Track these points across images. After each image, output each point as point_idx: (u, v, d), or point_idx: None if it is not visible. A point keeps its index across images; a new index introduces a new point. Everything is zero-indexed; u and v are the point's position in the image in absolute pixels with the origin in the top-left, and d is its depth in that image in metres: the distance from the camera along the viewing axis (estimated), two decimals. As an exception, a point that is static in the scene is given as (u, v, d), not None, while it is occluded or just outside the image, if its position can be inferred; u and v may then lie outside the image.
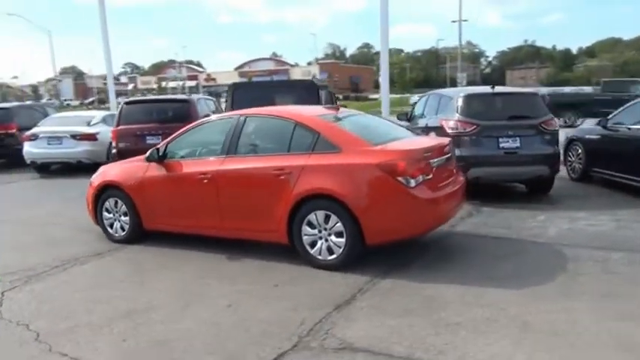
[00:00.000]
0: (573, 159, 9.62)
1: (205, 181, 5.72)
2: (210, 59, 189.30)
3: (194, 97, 11.51)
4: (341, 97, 48.59)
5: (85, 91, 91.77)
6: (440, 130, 8.17)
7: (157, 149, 6.13)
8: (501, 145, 7.85)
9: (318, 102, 8.59)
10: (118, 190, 6.39)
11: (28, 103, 21.05)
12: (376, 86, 71.32)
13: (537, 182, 8.30)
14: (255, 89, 9.17)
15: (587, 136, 9.34)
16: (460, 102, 8.17)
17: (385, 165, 4.89)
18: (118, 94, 29.55)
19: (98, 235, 6.65)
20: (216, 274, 5.20)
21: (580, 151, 9.36)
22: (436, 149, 5.39)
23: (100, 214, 6.61)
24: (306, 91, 8.75)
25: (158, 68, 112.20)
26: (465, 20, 62.95)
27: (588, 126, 10.29)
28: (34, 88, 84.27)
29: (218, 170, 5.69)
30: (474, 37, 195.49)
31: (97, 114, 14.44)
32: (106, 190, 6.53)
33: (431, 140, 5.91)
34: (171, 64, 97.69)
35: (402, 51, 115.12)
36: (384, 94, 13.79)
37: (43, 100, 66.56)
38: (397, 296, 4.49)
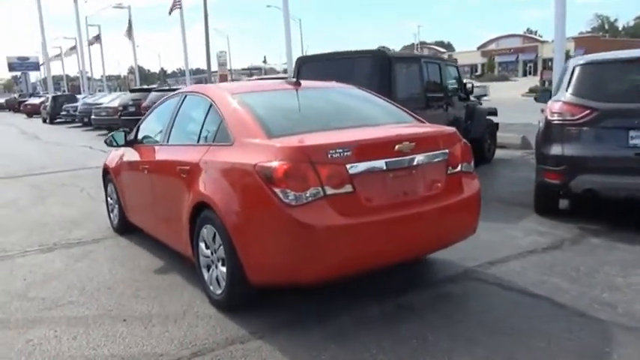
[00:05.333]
0: None
1: (145, 172, 4.76)
2: (464, 39, 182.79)
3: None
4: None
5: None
6: (544, 118, 5.57)
7: (125, 132, 5.37)
8: (632, 142, 4.91)
9: (389, 80, 6.66)
10: (110, 174, 5.89)
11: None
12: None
13: None
14: (321, 64, 7.67)
15: None
16: (575, 74, 5.39)
17: (261, 168, 3.17)
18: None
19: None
20: (104, 290, 4.20)
21: None
22: (374, 146, 3.34)
23: (106, 198, 6.23)
24: (373, 66, 6.87)
25: (408, 50, 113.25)
26: None
27: None
28: (286, 71, 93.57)
29: (151, 160, 4.67)
30: None
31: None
32: (106, 174, 6.10)
33: (380, 132, 3.74)
34: (419, 45, 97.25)
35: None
36: (557, 73, 10.58)
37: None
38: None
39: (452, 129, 3.87)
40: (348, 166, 3.16)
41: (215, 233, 3.57)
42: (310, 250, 3.08)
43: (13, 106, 48.64)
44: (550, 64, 71.51)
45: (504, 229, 5.29)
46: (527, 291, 3.81)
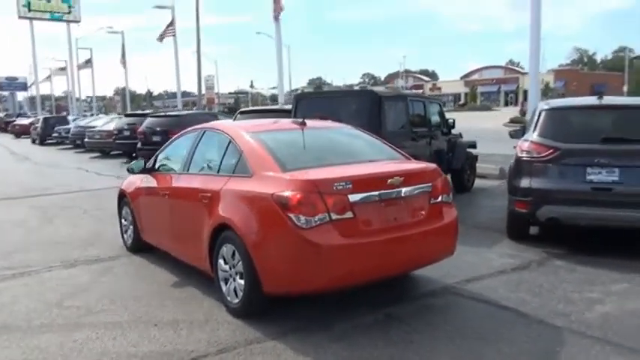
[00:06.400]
0: None
1: (166, 197, 5.40)
2: (447, 69, 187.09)
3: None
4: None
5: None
6: (516, 154, 6.35)
7: (144, 160, 6.01)
8: (589, 178, 5.69)
9: (378, 117, 7.41)
10: (126, 197, 6.49)
11: (200, 111, 23.69)
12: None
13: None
14: (317, 100, 8.41)
15: None
16: (541, 118, 6.19)
17: (277, 197, 3.85)
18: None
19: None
20: (132, 300, 4.80)
21: None
22: (370, 180, 4.06)
23: (120, 219, 6.81)
24: (364, 104, 7.63)
25: (392, 78, 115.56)
26: None
27: None
28: (274, 97, 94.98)
29: (173, 187, 5.31)
30: None
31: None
32: (123, 197, 6.69)
33: (375, 167, 4.47)
34: (404, 73, 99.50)
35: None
36: (532, 105, 11.51)
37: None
38: (245, 367, 3.49)
39: (434, 165, 4.61)
40: (349, 196, 3.86)
41: (234, 251, 4.22)
42: (318, 264, 3.76)
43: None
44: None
45: (480, 252, 6.00)
46: (497, 304, 4.50)
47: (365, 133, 5.25)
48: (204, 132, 5.28)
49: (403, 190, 4.14)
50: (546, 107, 6.26)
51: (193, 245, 4.87)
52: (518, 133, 8.44)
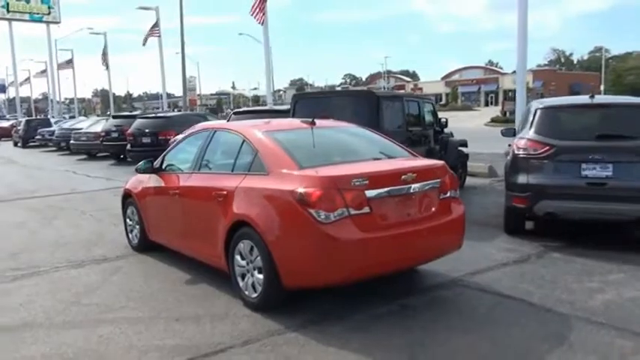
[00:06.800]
0: None
1: (176, 197, 5.50)
2: (428, 69, 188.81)
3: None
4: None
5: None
6: (512, 151, 6.58)
7: (152, 160, 6.10)
8: (584, 173, 5.93)
9: (377, 116, 7.60)
10: (132, 198, 6.55)
11: (189, 112, 23.73)
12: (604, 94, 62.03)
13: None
14: (314, 101, 8.57)
15: None
16: (537, 116, 6.43)
17: (297, 193, 4.00)
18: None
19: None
20: (148, 297, 4.90)
21: None
22: (385, 177, 4.23)
23: (124, 219, 6.87)
24: (363, 104, 7.82)
25: (373, 78, 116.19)
26: None
27: None
28: (257, 98, 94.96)
29: (184, 186, 5.41)
30: None
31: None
32: (127, 198, 6.75)
33: (390, 164, 4.65)
34: (386, 74, 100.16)
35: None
36: (519, 105, 11.83)
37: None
38: (269, 358, 3.62)
39: (442, 162, 4.80)
40: (366, 192, 4.02)
41: (252, 246, 4.35)
42: (337, 258, 3.92)
43: (-23, 129, 47.69)
44: (510, 94, 74.79)
45: (481, 247, 6.21)
46: (503, 294, 4.71)
47: (371, 132, 5.42)
48: (214, 132, 5.40)
49: (416, 186, 4.31)
50: (542, 106, 6.50)
51: (207, 243, 4.98)
52: (509, 132, 8.72)
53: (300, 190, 3.98)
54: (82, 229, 8.09)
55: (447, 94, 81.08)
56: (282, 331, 4.02)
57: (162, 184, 5.84)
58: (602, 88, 66.33)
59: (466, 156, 11.02)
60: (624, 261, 5.55)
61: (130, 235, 6.73)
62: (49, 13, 44.94)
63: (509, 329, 3.98)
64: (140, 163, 6.11)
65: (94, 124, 22.10)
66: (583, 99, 6.66)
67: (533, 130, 6.34)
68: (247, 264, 4.47)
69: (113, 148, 18.81)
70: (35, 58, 66.75)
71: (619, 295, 4.63)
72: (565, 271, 5.32)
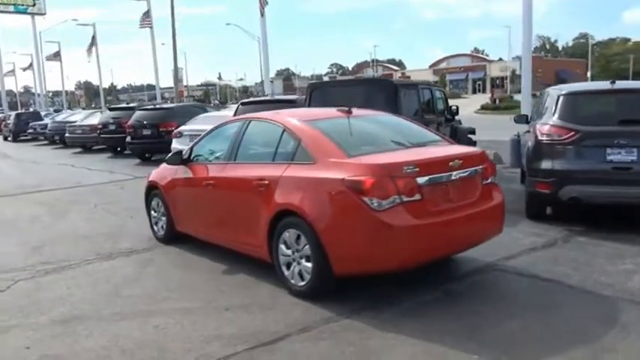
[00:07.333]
0: None
1: (210, 187, 5.49)
2: (414, 57, 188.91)
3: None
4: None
5: (292, 90, 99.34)
6: (534, 137, 6.66)
7: (181, 152, 6.08)
8: (609, 158, 6.03)
9: (395, 104, 7.63)
10: (158, 189, 6.52)
11: (188, 103, 23.59)
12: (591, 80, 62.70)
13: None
14: (331, 90, 8.59)
15: None
16: (560, 102, 6.51)
17: (349, 181, 4.03)
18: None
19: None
20: (189, 287, 4.92)
21: None
22: (434, 163, 4.28)
23: (148, 211, 6.84)
24: (382, 92, 7.85)
25: (360, 68, 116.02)
26: None
27: None
28: (245, 89, 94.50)
29: (219, 177, 5.40)
30: None
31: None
32: (152, 189, 6.72)
33: (436, 152, 4.70)
34: (371, 63, 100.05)
35: (628, 40, 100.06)
36: (525, 93, 11.95)
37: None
38: (332, 344, 3.66)
39: (482, 150, 4.85)
40: (417, 179, 4.06)
41: (299, 235, 4.38)
42: (390, 245, 3.97)
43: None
44: (498, 82, 75.11)
45: (507, 232, 6.15)
46: (541, 277, 4.80)
47: (405, 119, 5.45)
48: (249, 122, 5.39)
49: (462, 172, 4.37)
50: (564, 92, 6.58)
51: (246, 232, 5.00)
52: (522, 119, 8.84)
53: (354, 178, 4.01)
54: (99, 222, 8.04)
55: (435, 82, 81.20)
56: (336, 318, 4.06)
57: (194, 175, 5.83)
58: (589, 74, 66.97)
59: (474, 143, 11.09)
60: (650, 243, 5.68)
61: (156, 227, 6.71)
62: (34, 5, 44.14)
63: (558, 311, 4.07)
64: (169, 155, 6.11)
65: (89, 117, 21.85)
66: (604, 84, 6.75)
67: (556, 116, 6.41)
68: (293, 253, 4.50)
69: (111, 141, 18.62)
70: (19, 50, 65.60)
71: (650, 274, 4.74)
72: (595, 254, 5.42)
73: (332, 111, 5.23)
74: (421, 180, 4.09)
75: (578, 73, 75.82)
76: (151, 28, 28.95)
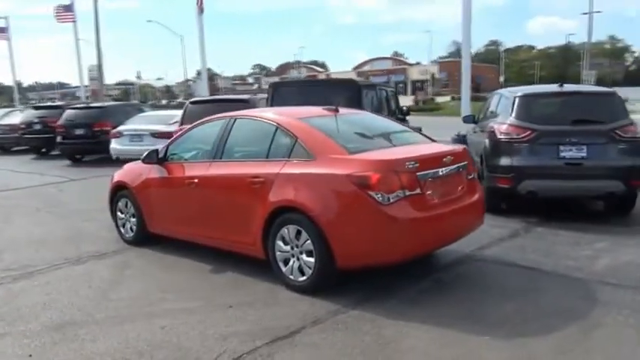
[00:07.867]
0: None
1: (193, 186, 5.41)
2: (336, 60, 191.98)
3: (256, 97, 11.36)
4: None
5: (216, 91, 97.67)
6: (492, 136, 7.11)
7: (157, 150, 5.94)
8: (562, 155, 6.59)
9: (359, 104, 7.87)
10: (127, 190, 6.31)
11: (123, 102, 22.75)
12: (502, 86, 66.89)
13: (610, 200, 6.88)
14: (294, 89, 8.71)
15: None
16: (516, 103, 7.01)
17: (356, 177, 4.17)
18: (244, 93, 30.81)
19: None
20: (181, 288, 4.85)
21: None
22: (431, 159, 4.52)
23: (114, 213, 6.59)
24: (346, 92, 8.07)
25: (284, 69, 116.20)
26: (599, 12, 56.47)
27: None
28: (168, 88, 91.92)
29: (204, 175, 5.34)
30: (619, 30, 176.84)
31: (178, 113, 14.93)
32: (119, 190, 6.48)
33: (429, 148, 4.96)
34: (295, 64, 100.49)
35: (533, 47, 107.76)
36: (464, 94, 12.64)
37: (180, 99, 71.75)
38: (349, 334, 3.78)
39: (464, 147, 5.15)
40: (417, 173, 4.27)
41: (299, 231, 4.45)
42: (396, 237, 4.15)
43: None
44: (418, 85, 77.84)
45: (472, 225, 6.68)
46: (519, 264, 5.18)
47: (387, 119, 5.67)
48: (234, 120, 5.36)
49: (453, 167, 4.64)
50: (520, 94, 7.10)
51: (237, 230, 4.99)
52: (469, 119, 9.39)
53: (360, 173, 4.15)
54: (52, 225, 7.63)
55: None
56: (343, 310, 4.18)
57: (172, 174, 5.71)
58: (501, 79, 71.21)
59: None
60: (598, 232, 6.25)
61: (123, 229, 6.49)
62: None
63: (544, 294, 4.43)
64: (145, 154, 5.94)
65: (6, 116, 20.40)
66: (553, 87, 7.35)
67: (514, 115, 6.90)
68: (292, 249, 4.56)
69: (35, 142, 17.54)
70: None
71: (615, 259, 5.26)
72: (555, 242, 5.92)
73: (317, 109, 5.33)
74: (420, 175, 4.30)
75: (491, 78, 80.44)
76: (75, 22, 27.54)
